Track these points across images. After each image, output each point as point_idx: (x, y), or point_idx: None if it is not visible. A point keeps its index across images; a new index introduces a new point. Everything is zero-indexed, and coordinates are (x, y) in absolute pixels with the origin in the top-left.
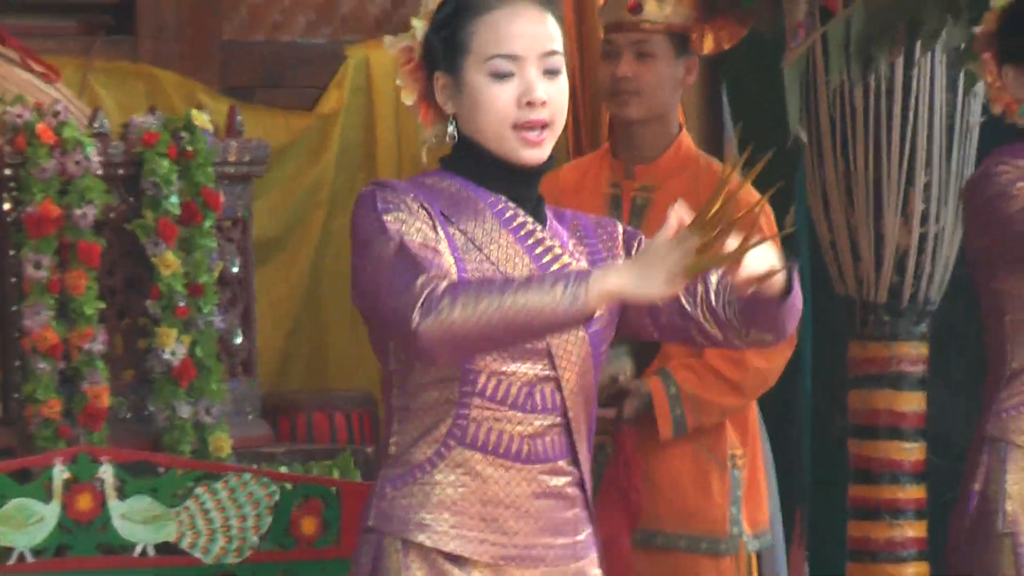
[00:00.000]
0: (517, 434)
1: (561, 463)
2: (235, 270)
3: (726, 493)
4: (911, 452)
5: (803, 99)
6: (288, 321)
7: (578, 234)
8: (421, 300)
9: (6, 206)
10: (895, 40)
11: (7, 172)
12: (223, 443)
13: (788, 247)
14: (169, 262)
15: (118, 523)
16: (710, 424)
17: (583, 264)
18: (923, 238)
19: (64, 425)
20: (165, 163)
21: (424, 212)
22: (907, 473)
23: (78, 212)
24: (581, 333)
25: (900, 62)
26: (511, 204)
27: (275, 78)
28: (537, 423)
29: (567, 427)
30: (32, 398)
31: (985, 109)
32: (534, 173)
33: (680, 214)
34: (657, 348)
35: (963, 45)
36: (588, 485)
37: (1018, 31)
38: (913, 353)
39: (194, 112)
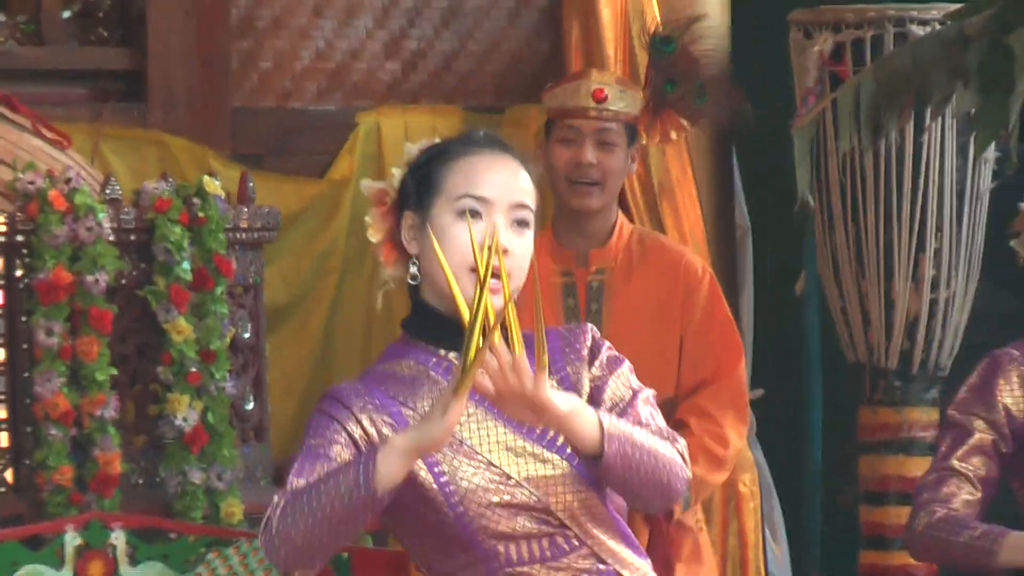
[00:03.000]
0: (529, 545)
1: (573, 556)
2: (247, 336)
3: (701, 556)
4: None
5: (813, 165)
6: (300, 387)
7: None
8: (263, 525)
9: (18, 272)
10: (905, 106)
11: (19, 239)
12: (235, 509)
13: (799, 312)
14: (181, 328)
15: None
16: (701, 500)
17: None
18: (934, 304)
19: (76, 492)
20: (177, 229)
21: (355, 425)
22: None
23: (90, 278)
24: (568, 472)
25: (910, 128)
26: None
27: (285, 145)
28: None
29: (596, 556)
30: (44, 465)
31: (995, 175)
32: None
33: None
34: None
35: (972, 111)
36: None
37: None
38: (924, 419)
39: (206, 179)
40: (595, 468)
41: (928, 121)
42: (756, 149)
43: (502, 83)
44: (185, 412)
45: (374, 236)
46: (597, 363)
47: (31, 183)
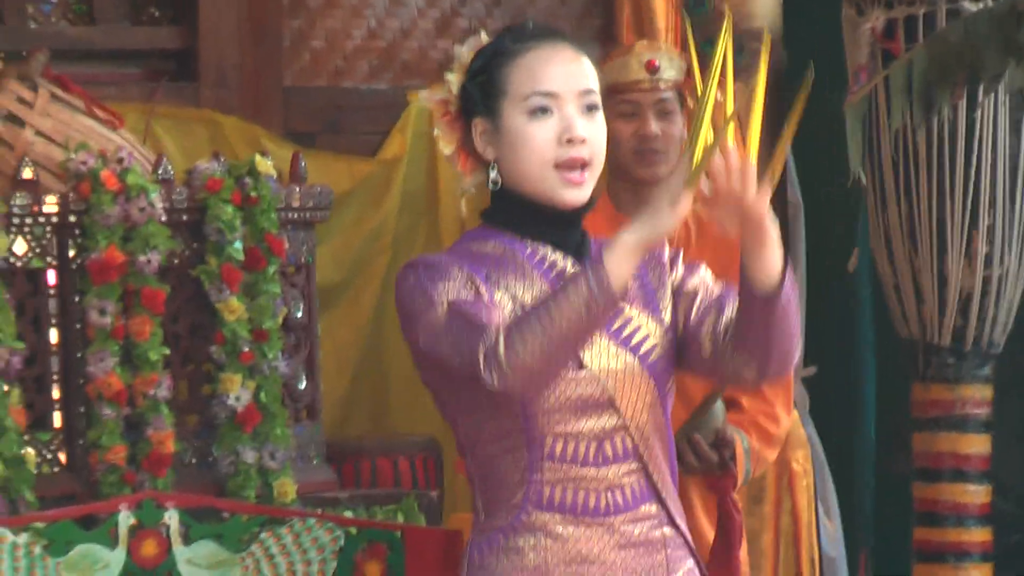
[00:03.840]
0: (593, 489)
1: (643, 508)
2: (299, 315)
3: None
4: (976, 495)
5: (865, 141)
6: (351, 366)
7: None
8: (483, 357)
9: (71, 253)
10: (957, 82)
11: (71, 219)
12: (288, 488)
13: (852, 289)
14: (233, 308)
15: (184, 568)
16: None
17: (629, 307)
18: (987, 280)
19: (129, 471)
20: (229, 209)
21: (466, 276)
22: (972, 516)
23: (142, 258)
24: (641, 372)
25: (963, 104)
26: (556, 256)
27: (337, 124)
28: (612, 474)
29: (644, 470)
30: (97, 444)
31: None
32: (574, 216)
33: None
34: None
35: None
36: (681, 519)
37: None
38: (977, 396)
39: (258, 158)
40: (761, 306)
41: (981, 97)
42: (808, 125)
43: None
44: (238, 391)
45: (446, 147)
46: (676, 269)
47: (83, 163)
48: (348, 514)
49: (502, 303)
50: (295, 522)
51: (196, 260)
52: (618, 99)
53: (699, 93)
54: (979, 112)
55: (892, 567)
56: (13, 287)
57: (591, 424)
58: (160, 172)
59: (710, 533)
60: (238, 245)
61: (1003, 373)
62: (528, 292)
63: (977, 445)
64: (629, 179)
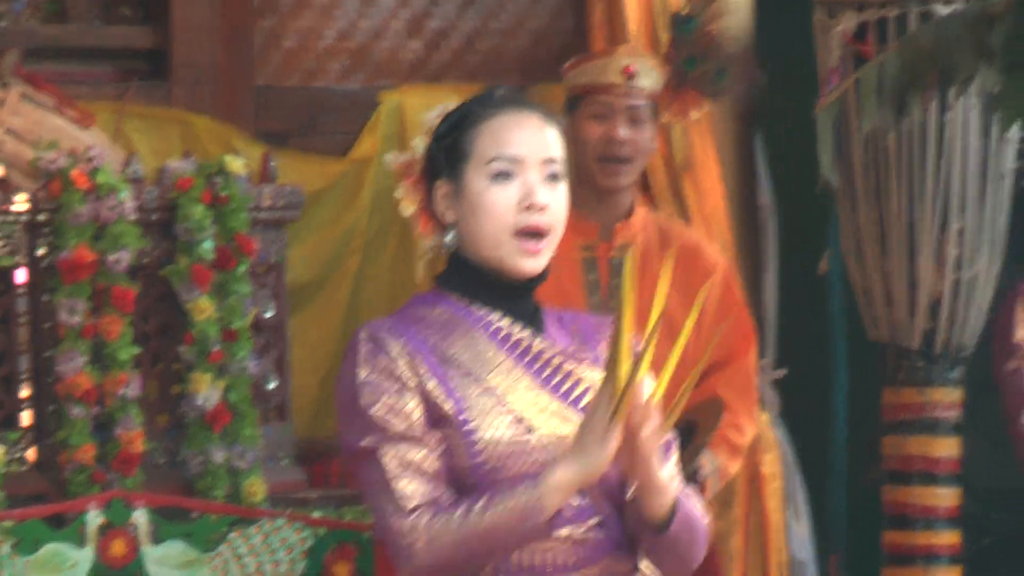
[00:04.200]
0: (561, 550)
1: (607, 560)
2: (269, 315)
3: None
4: (946, 498)
5: (836, 145)
6: (322, 366)
7: (578, 338)
8: (404, 548)
9: (40, 251)
10: (929, 85)
11: (41, 218)
12: (257, 488)
13: (823, 292)
14: (203, 307)
15: (152, 568)
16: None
17: (586, 371)
18: (957, 284)
19: (98, 470)
20: (199, 208)
21: (408, 370)
22: (942, 519)
23: (112, 257)
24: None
25: (934, 107)
26: (504, 322)
27: (308, 124)
28: (576, 534)
29: (604, 525)
30: (66, 443)
31: (1020, 154)
32: (529, 285)
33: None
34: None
35: (997, 89)
36: (645, 565)
37: None
38: (947, 399)
39: (228, 157)
40: (648, 534)
41: (952, 100)
42: (779, 129)
43: (525, 62)
44: (207, 391)
45: (407, 209)
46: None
47: (53, 162)
48: (317, 514)
49: (451, 380)
50: (264, 522)
51: (166, 259)
52: (592, 100)
53: (617, 326)
54: (950, 115)
55: (862, 570)
56: None
57: None
58: (131, 171)
59: None
60: (208, 245)
61: (973, 376)
62: (478, 361)
63: (947, 448)
64: (593, 185)
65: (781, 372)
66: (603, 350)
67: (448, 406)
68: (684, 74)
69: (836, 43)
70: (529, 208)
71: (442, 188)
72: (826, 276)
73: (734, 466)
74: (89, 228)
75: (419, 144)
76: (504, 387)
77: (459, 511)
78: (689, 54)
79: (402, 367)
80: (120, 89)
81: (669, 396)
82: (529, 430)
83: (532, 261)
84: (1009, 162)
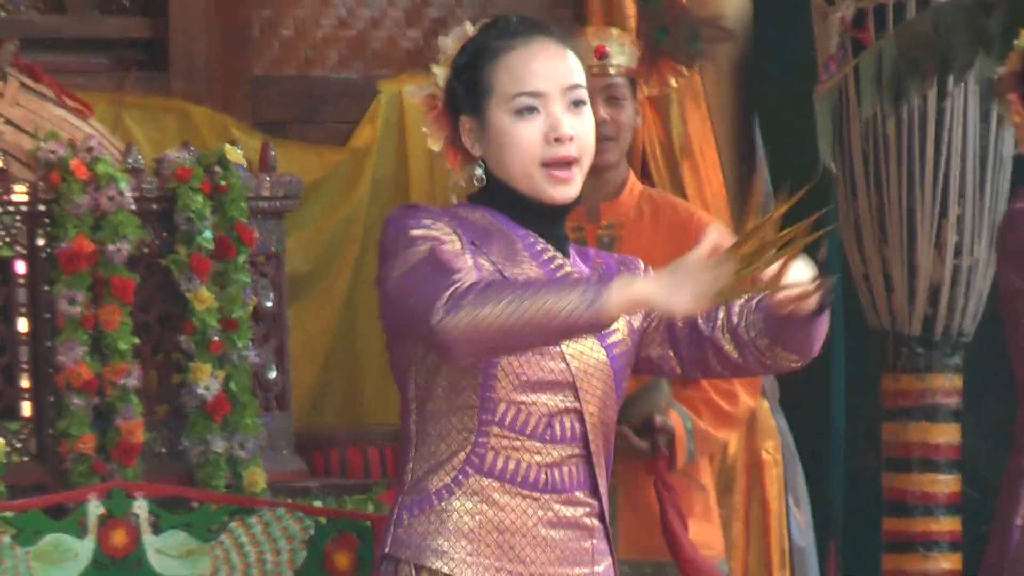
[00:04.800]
0: (535, 463)
1: (579, 493)
2: (269, 305)
3: (711, 516)
4: (945, 484)
5: (835, 131)
6: (322, 356)
7: (599, 271)
8: (446, 297)
9: (40, 242)
10: (927, 72)
11: (41, 208)
12: (257, 478)
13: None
14: (203, 297)
15: (153, 558)
16: (707, 455)
17: None
18: (956, 270)
19: (98, 461)
20: (199, 198)
21: (455, 235)
22: (941, 505)
23: (112, 248)
24: (605, 365)
25: (932, 94)
26: (541, 239)
27: (307, 113)
28: (556, 453)
29: (587, 458)
30: (66, 434)
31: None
32: (562, 210)
33: (716, 236)
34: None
35: (996, 76)
36: (607, 516)
37: None
38: (947, 385)
39: (228, 147)
40: (801, 322)
41: (950, 87)
42: (778, 115)
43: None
44: (207, 381)
45: (435, 144)
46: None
47: (53, 152)
48: (318, 504)
49: (483, 267)
50: (265, 512)
51: (166, 249)
52: None
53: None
54: (949, 102)
55: (861, 557)
56: None
57: (546, 399)
58: (130, 161)
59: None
60: (208, 234)
61: (972, 363)
62: (510, 263)
63: (947, 435)
64: None
65: None
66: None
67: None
68: (657, 45)
69: (834, 30)
70: (557, 140)
71: (467, 123)
72: (825, 263)
73: (726, 432)
74: (88, 218)
75: (439, 73)
76: None
77: (517, 283)
78: (659, 24)
79: (446, 226)
80: (118, 79)
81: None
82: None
83: (564, 189)
84: (1009, 148)
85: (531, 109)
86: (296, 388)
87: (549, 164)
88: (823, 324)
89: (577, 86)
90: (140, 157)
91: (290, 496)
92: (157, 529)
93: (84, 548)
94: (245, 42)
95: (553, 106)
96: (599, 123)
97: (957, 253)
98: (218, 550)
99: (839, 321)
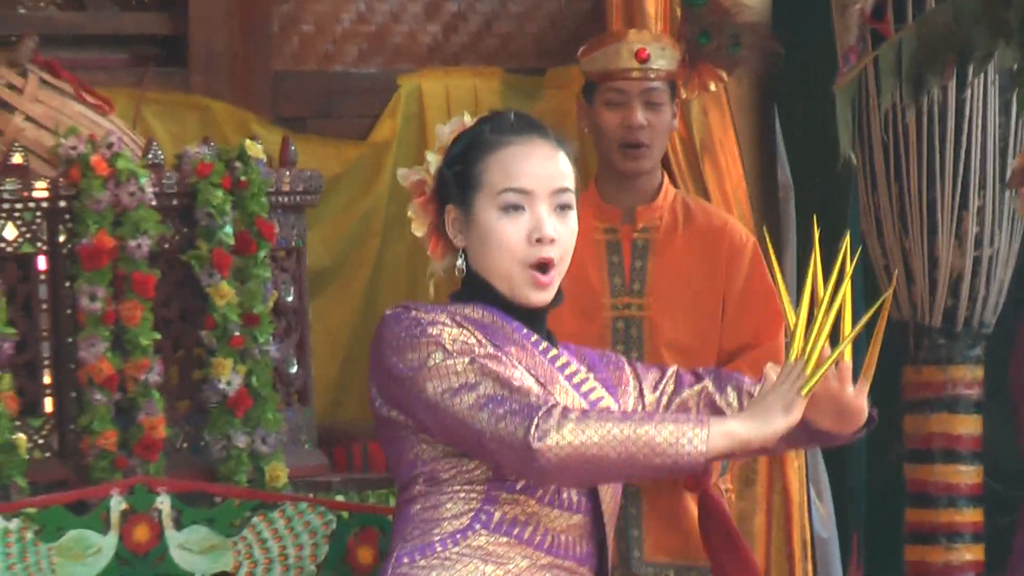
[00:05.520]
0: (543, 527)
1: (583, 569)
2: (290, 299)
3: None
4: (967, 475)
5: (855, 123)
6: (343, 350)
7: (586, 363)
8: (537, 419)
9: (61, 238)
10: (947, 63)
11: (61, 204)
12: (279, 472)
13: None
14: (224, 292)
15: (175, 553)
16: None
17: (604, 392)
18: (977, 261)
19: (120, 456)
20: (219, 193)
21: (468, 332)
22: (963, 496)
23: (132, 243)
24: None
25: (952, 85)
26: (533, 332)
27: (327, 108)
28: (563, 521)
29: (593, 529)
30: (88, 429)
31: None
32: (543, 311)
33: (773, 368)
34: None
35: (1015, 67)
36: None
37: None
38: (968, 376)
39: (248, 142)
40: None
41: (970, 78)
42: (798, 108)
43: (543, 44)
44: (228, 376)
45: (419, 230)
46: (630, 375)
47: (73, 148)
48: (340, 498)
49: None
50: (287, 506)
51: (186, 245)
52: (606, 87)
53: (814, 306)
54: (968, 93)
55: (884, 548)
56: (4, 273)
57: None
58: (150, 157)
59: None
60: (228, 229)
61: (994, 353)
62: (522, 355)
63: (968, 426)
64: (614, 170)
65: None
66: (609, 377)
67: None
68: (699, 49)
69: (854, 21)
70: (539, 241)
71: (452, 212)
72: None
73: None
74: (109, 214)
75: (431, 161)
76: (545, 379)
77: (614, 412)
78: (702, 28)
79: (451, 323)
80: (138, 75)
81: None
82: None
83: (542, 293)
84: None
85: (517, 207)
86: (317, 382)
87: (530, 266)
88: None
89: (565, 190)
90: (160, 153)
91: (312, 490)
92: (179, 524)
93: (107, 544)
94: (265, 37)
95: (539, 207)
96: (637, 127)
97: (978, 244)
98: (240, 545)
99: (861, 312)
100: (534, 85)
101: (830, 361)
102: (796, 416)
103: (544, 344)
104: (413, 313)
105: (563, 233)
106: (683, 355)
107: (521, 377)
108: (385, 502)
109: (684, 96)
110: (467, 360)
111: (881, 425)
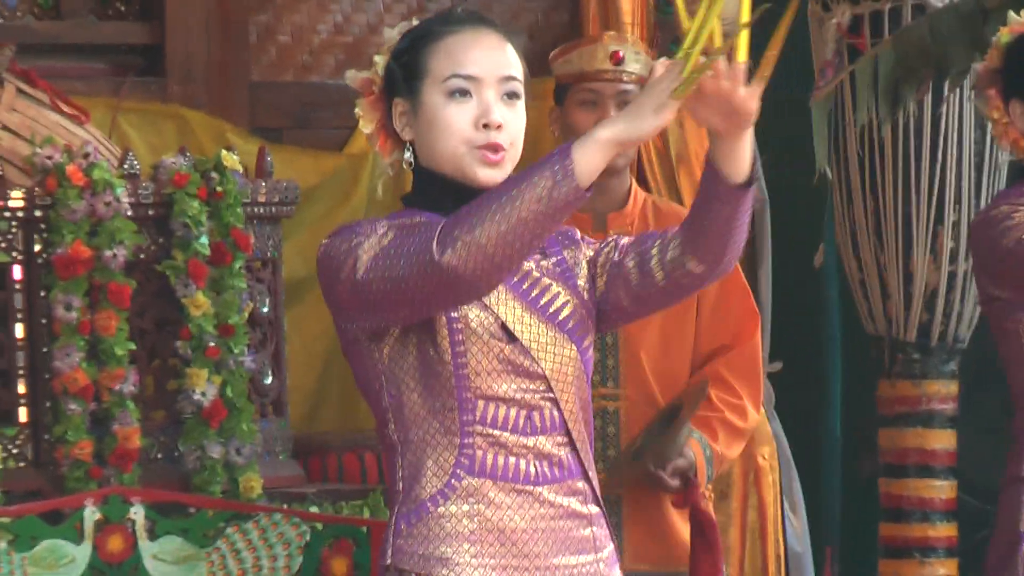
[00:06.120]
0: (523, 456)
1: (571, 482)
2: (265, 310)
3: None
4: (942, 490)
5: (831, 137)
6: (318, 361)
7: (542, 249)
8: (435, 239)
9: (36, 247)
10: (923, 78)
11: (37, 214)
12: (254, 483)
13: (818, 285)
14: (199, 303)
15: (149, 564)
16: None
17: (549, 279)
18: (952, 276)
19: (95, 466)
20: (195, 204)
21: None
22: (938, 511)
23: (108, 253)
24: (573, 353)
25: (928, 100)
26: None
27: (304, 119)
28: (541, 445)
29: (572, 445)
30: (63, 439)
31: None
32: None
33: (662, 62)
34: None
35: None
36: (600, 498)
37: (1021, 67)
38: (943, 391)
39: (224, 153)
40: (726, 194)
41: (946, 93)
42: (774, 121)
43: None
44: (204, 387)
45: (366, 127)
46: (586, 244)
47: (49, 158)
48: (314, 509)
49: None
50: (261, 517)
51: (162, 255)
52: (581, 88)
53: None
54: (944, 108)
55: (858, 563)
56: None
57: (520, 392)
58: (126, 167)
59: (683, 530)
60: (204, 240)
61: (969, 368)
62: None
63: (943, 441)
64: None
65: (777, 366)
66: (565, 258)
67: None
68: (671, 56)
69: (831, 36)
70: (486, 126)
71: (400, 106)
72: (821, 269)
73: (734, 450)
74: (85, 224)
75: (379, 61)
76: (493, 300)
77: (486, 194)
78: (674, 36)
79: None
80: (115, 85)
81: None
82: (511, 337)
83: (491, 171)
84: (1003, 154)
85: (464, 92)
86: (293, 393)
87: (478, 147)
88: (744, 214)
89: (513, 78)
90: (136, 163)
91: (287, 502)
92: (153, 535)
93: (80, 554)
94: (242, 48)
95: (486, 93)
96: None
97: (953, 259)
98: (215, 556)
99: (836, 327)
100: None
101: (704, 67)
102: (666, 116)
103: None
104: (338, 232)
105: (512, 120)
106: (659, 358)
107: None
108: (359, 513)
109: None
110: (383, 228)
111: (855, 440)
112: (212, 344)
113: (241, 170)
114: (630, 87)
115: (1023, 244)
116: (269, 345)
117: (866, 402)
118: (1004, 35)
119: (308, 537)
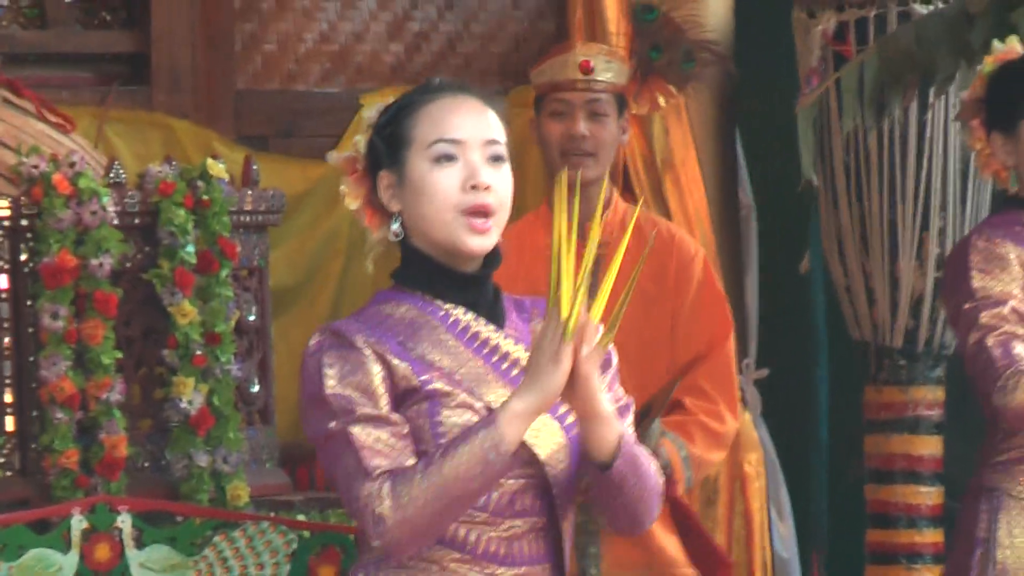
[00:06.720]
0: (495, 537)
1: (538, 568)
2: (252, 319)
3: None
4: (928, 496)
5: (817, 144)
6: None
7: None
8: (370, 514)
9: (22, 257)
10: (909, 85)
11: (23, 223)
12: (241, 492)
13: (804, 291)
14: (186, 311)
15: (136, 572)
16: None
17: None
18: (938, 282)
19: (82, 475)
20: (181, 212)
21: (374, 357)
22: (924, 517)
23: (94, 262)
24: (563, 440)
25: (914, 107)
26: (468, 317)
27: (290, 127)
28: (516, 528)
29: (550, 530)
30: (50, 448)
31: None
32: (483, 276)
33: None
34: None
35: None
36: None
37: (1004, 98)
38: (929, 397)
39: (210, 162)
40: (593, 473)
41: (932, 99)
42: (760, 128)
43: (506, 64)
44: (190, 395)
45: (352, 203)
46: (608, 377)
47: (35, 167)
48: (301, 517)
49: (418, 361)
50: (248, 525)
51: (148, 264)
52: (552, 97)
53: (558, 252)
54: (930, 114)
55: (845, 569)
56: None
57: (511, 480)
58: (112, 176)
59: (663, 535)
60: (190, 249)
61: (955, 375)
62: (442, 355)
63: (929, 447)
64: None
65: (763, 372)
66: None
67: (416, 386)
68: (649, 64)
69: (816, 43)
70: (474, 188)
71: (385, 179)
72: (808, 275)
73: (715, 455)
74: (71, 233)
75: (360, 141)
76: (471, 380)
77: (419, 467)
78: (652, 43)
79: (368, 354)
80: (101, 94)
81: (604, 320)
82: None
83: (480, 239)
84: None
85: (450, 157)
86: (280, 402)
87: (466, 212)
88: (622, 498)
89: (496, 141)
90: (123, 171)
91: (274, 510)
92: (140, 543)
93: (68, 563)
94: (228, 56)
95: (471, 155)
96: (578, 137)
97: (939, 265)
98: (202, 564)
99: (822, 333)
100: None
101: (581, 296)
102: (566, 363)
103: (473, 330)
104: (325, 365)
105: (499, 183)
106: (635, 367)
107: (379, 450)
108: (346, 521)
109: (635, 111)
110: (339, 424)
111: (842, 445)
112: (199, 353)
113: (227, 179)
114: (601, 96)
115: (983, 350)
116: (256, 353)
117: (852, 408)
118: (988, 64)
119: (295, 545)
